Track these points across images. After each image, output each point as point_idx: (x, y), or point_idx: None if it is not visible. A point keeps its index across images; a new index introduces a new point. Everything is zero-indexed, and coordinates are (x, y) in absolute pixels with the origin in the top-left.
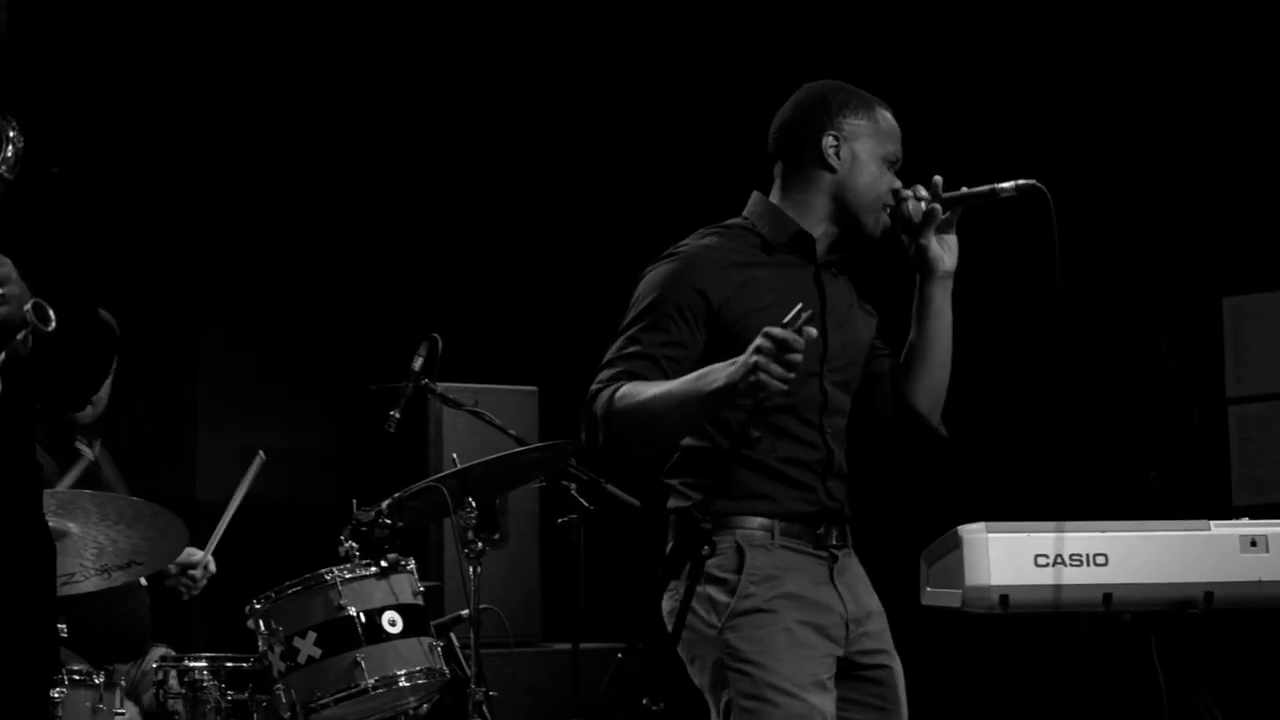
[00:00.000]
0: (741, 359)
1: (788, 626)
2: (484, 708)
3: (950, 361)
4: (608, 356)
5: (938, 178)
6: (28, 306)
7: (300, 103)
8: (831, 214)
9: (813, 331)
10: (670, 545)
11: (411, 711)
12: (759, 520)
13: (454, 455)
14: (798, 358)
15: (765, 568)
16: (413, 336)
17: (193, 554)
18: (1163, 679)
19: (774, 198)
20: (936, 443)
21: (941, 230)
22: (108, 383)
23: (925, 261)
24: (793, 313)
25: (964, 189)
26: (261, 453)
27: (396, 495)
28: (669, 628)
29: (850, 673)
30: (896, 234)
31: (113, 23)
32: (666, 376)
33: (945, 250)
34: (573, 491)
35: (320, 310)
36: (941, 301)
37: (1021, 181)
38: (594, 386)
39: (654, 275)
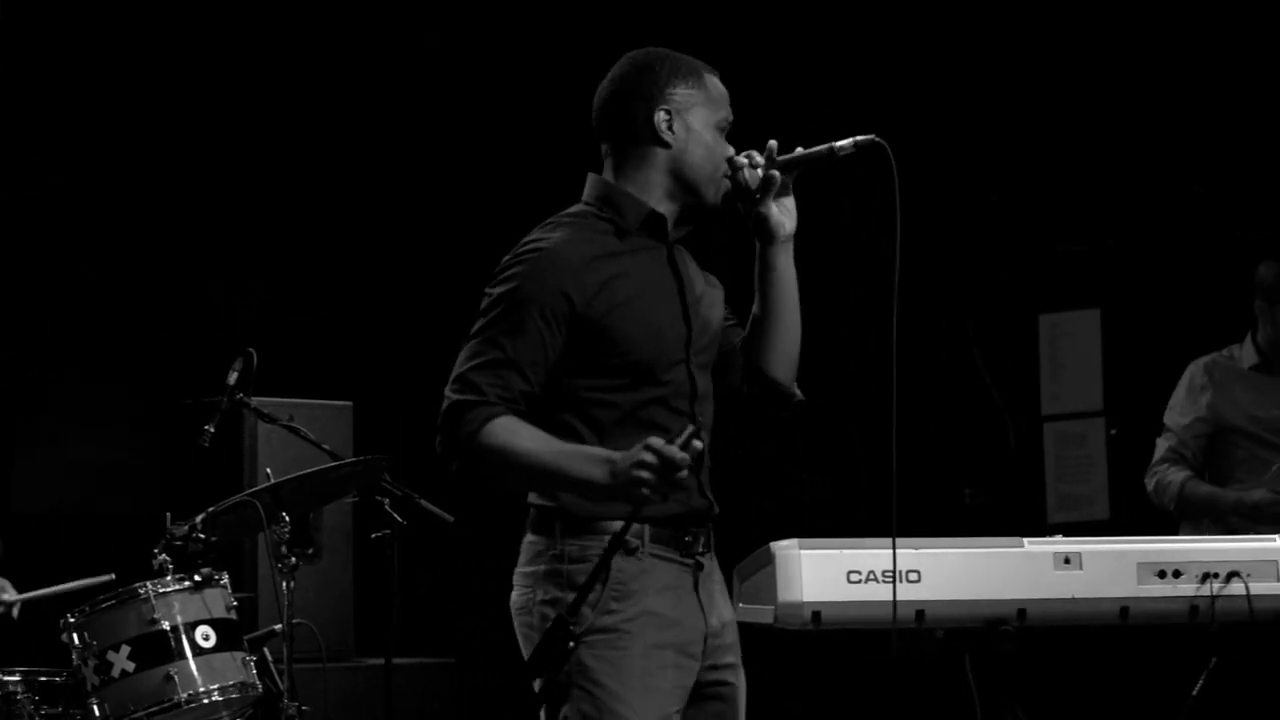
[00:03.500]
0: (622, 464)
1: (645, 651)
2: None
3: (799, 322)
4: (470, 359)
5: (772, 142)
6: None
7: (117, 115)
8: (670, 191)
9: (699, 445)
10: (526, 540)
11: None
12: (628, 525)
13: (268, 470)
14: (684, 475)
15: (630, 580)
16: (228, 351)
17: (3, 587)
18: (977, 695)
19: (610, 179)
20: (794, 408)
21: (780, 194)
22: None
23: (766, 228)
24: (685, 434)
25: (800, 150)
26: (112, 575)
27: (210, 509)
28: (515, 624)
29: (697, 691)
30: (733, 202)
31: None
32: (529, 385)
33: (785, 215)
34: (386, 507)
35: (136, 323)
36: (785, 266)
37: (860, 138)
38: (455, 395)
39: (517, 271)
